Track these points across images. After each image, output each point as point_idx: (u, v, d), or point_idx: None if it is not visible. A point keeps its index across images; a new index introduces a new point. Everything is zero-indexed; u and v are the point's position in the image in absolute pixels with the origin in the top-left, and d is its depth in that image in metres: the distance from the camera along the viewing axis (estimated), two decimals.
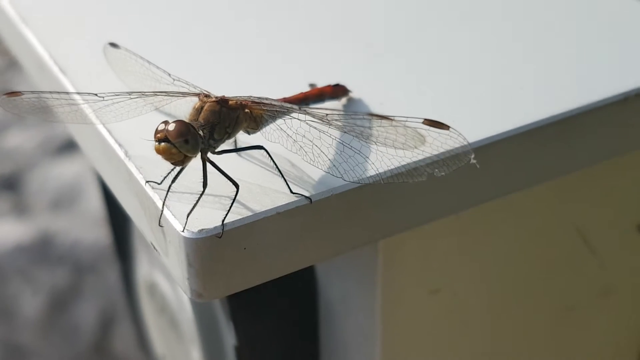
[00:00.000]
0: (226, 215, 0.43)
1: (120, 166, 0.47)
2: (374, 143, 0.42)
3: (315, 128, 0.44)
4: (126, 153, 0.47)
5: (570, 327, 0.66)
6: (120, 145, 0.48)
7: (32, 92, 0.47)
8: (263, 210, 0.44)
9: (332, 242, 0.46)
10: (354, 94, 0.52)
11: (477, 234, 0.56)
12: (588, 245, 0.60)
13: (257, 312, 0.60)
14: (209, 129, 0.44)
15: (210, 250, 0.43)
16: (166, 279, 0.72)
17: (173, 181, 0.44)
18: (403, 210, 0.47)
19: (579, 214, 0.60)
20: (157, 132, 0.42)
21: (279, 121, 0.45)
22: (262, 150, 0.45)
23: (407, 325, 0.57)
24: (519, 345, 0.65)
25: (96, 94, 0.47)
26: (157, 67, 0.49)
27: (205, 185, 0.43)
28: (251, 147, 0.45)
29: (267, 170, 0.46)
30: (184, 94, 0.46)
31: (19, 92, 0.47)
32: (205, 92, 0.46)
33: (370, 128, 0.42)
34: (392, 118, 0.41)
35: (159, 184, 0.44)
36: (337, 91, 0.51)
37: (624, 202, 0.62)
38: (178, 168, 0.44)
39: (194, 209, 0.43)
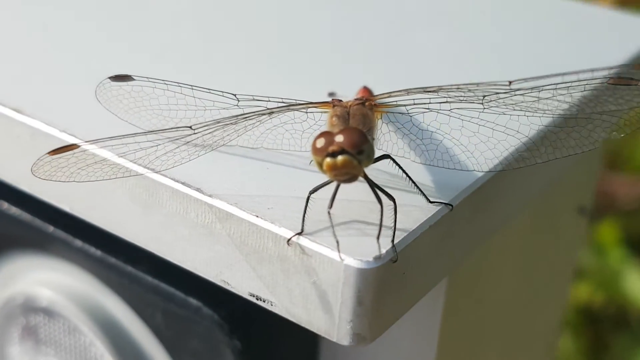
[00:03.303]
0: (394, 235, 0.36)
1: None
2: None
3: (458, 117, 0.38)
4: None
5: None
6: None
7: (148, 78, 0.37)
8: (417, 225, 0.37)
9: (462, 247, 0.41)
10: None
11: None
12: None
13: None
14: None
15: (383, 280, 0.36)
16: None
17: (331, 203, 0.36)
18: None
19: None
20: (327, 144, 0.34)
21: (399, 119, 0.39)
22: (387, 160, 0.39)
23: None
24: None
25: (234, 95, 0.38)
26: (209, 91, 0.40)
27: (381, 202, 0.36)
28: (378, 157, 0.38)
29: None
30: (308, 105, 0.38)
31: (128, 75, 0.37)
32: (332, 100, 0.38)
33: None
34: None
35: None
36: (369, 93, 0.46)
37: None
38: (332, 188, 0.36)
39: (393, 232, 0.35)
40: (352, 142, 0.34)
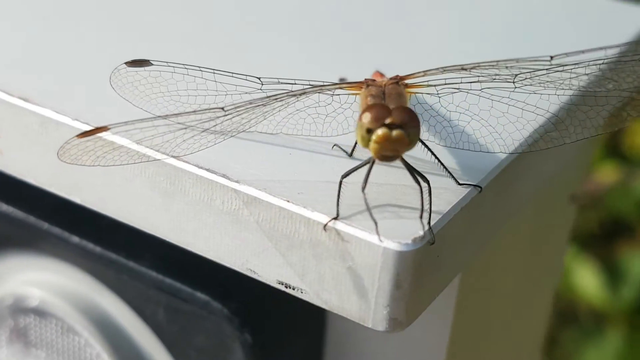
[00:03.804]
0: (429, 217, 0.35)
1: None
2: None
3: (488, 96, 0.38)
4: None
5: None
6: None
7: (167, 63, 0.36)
8: (450, 207, 0.37)
9: (486, 231, 0.41)
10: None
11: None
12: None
13: None
14: None
15: (420, 262, 0.35)
16: None
17: (365, 184, 0.35)
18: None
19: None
20: (384, 115, 0.34)
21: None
22: None
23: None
24: None
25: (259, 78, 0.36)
26: (232, 75, 0.39)
27: (419, 183, 0.35)
28: None
29: (399, 167, 0.39)
30: (340, 85, 0.38)
31: (146, 60, 0.35)
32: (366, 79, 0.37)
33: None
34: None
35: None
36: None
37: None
38: (364, 168, 0.35)
39: (429, 215, 0.35)
40: (409, 120, 0.34)
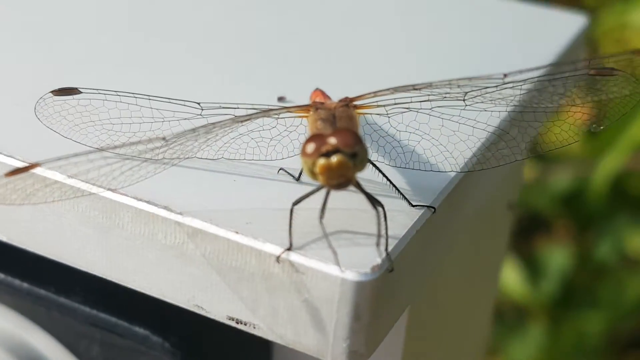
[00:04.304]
0: (387, 243, 0.34)
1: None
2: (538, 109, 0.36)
3: (438, 115, 0.37)
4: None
5: None
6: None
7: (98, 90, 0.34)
8: (406, 231, 0.35)
9: (442, 251, 0.40)
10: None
11: None
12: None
13: None
14: None
15: (380, 292, 0.34)
16: None
17: (322, 214, 0.33)
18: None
19: None
20: (319, 144, 0.32)
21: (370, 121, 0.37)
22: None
23: None
24: None
25: (199, 104, 0.34)
26: (169, 100, 0.36)
27: (376, 207, 0.34)
28: None
29: (349, 191, 0.37)
30: (288, 109, 0.36)
31: (74, 88, 0.33)
32: (312, 102, 0.36)
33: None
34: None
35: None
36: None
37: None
38: (318, 195, 0.34)
39: (386, 241, 0.33)
40: (346, 142, 0.32)
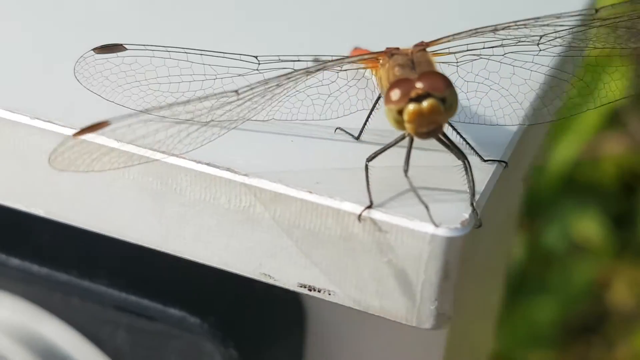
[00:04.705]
0: (472, 197, 0.32)
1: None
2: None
3: (509, 63, 0.35)
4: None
5: None
6: None
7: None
8: (484, 186, 0.33)
9: (509, 210, 0.38)
10: None
11: None
12: None
13: None
14: None
15: (467, 248, 0.32)
16: None
17: (407, 166, 0.31)
18: None
19: None
20: (409, 89, 0.30)
21: None
22: None
23: None
24: None
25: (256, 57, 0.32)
26: (224, 55, 0.34)
27: (466, 159, 0.32)
28: None
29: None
30: (362, 57, 0.33)
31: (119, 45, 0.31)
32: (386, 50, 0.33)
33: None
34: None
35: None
36: None
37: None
38: (398, 148, 0.31)
39: (472, 195, 0.31)
40: (436, 86, 0.30)
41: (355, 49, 0.40)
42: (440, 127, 0.31)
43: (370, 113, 0.35)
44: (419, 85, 0.30)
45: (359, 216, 0.31)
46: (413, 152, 0.33)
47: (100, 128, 0.29)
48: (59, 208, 0.36)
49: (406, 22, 0.45)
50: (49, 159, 0.29)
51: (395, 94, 0.30)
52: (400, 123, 0.31)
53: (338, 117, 0.36)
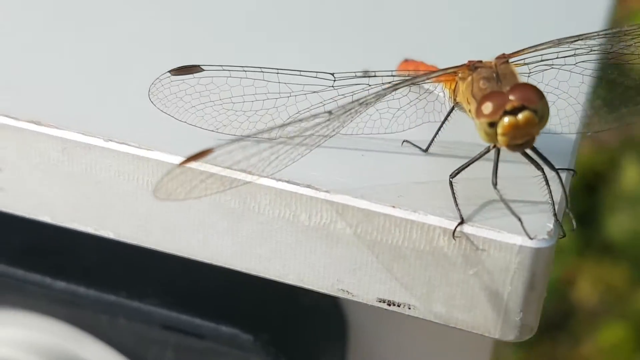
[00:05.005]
0: (554, 208, 0.32)
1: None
2: None
3: (579, 72, 0.35)
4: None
5: None
6: None
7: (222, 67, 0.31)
8: (560, 196, 0.34)
9: None
10: None
11: None
12: None
13: None
14: None
15: (551, 258, 0.32)
16: None
17: (496, 179, 0.31)
18: None
19: None
20: (503, 102, 0.30)
21: None
22: None
23: None
24: None
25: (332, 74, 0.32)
26: (300, 73, 0.34)
27: (556, 170, 0.32)
28: None
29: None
30: (445, 70, 0.33)
31: (196, 66, 0.31)
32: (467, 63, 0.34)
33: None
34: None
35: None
36: None
37: None
38: (482, 162, 0.32)
39: (553, 206, 0.31)
40: (530, 98, 0.30)
41: (406, 60, 0.41)
42: (534, 139, 0.31)
43: (441, 125, 0.35)
44: (512, 97, 0.31)
45: (453, 233, 0.31)
46: (481, 163, 0.33)
47: (205, 155, 0.29)
48: (130, 230, 0.35)
49: (453, 35, 0.46)
50: (154, 190, 0.29)
51: (488, 107, 0.31)
52: (491, 136, 0.31)
53: (404, 130, 0.36)
